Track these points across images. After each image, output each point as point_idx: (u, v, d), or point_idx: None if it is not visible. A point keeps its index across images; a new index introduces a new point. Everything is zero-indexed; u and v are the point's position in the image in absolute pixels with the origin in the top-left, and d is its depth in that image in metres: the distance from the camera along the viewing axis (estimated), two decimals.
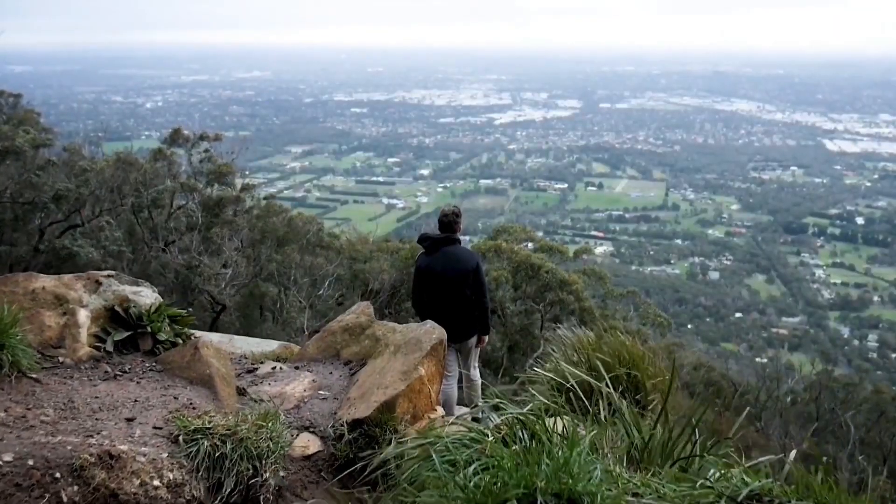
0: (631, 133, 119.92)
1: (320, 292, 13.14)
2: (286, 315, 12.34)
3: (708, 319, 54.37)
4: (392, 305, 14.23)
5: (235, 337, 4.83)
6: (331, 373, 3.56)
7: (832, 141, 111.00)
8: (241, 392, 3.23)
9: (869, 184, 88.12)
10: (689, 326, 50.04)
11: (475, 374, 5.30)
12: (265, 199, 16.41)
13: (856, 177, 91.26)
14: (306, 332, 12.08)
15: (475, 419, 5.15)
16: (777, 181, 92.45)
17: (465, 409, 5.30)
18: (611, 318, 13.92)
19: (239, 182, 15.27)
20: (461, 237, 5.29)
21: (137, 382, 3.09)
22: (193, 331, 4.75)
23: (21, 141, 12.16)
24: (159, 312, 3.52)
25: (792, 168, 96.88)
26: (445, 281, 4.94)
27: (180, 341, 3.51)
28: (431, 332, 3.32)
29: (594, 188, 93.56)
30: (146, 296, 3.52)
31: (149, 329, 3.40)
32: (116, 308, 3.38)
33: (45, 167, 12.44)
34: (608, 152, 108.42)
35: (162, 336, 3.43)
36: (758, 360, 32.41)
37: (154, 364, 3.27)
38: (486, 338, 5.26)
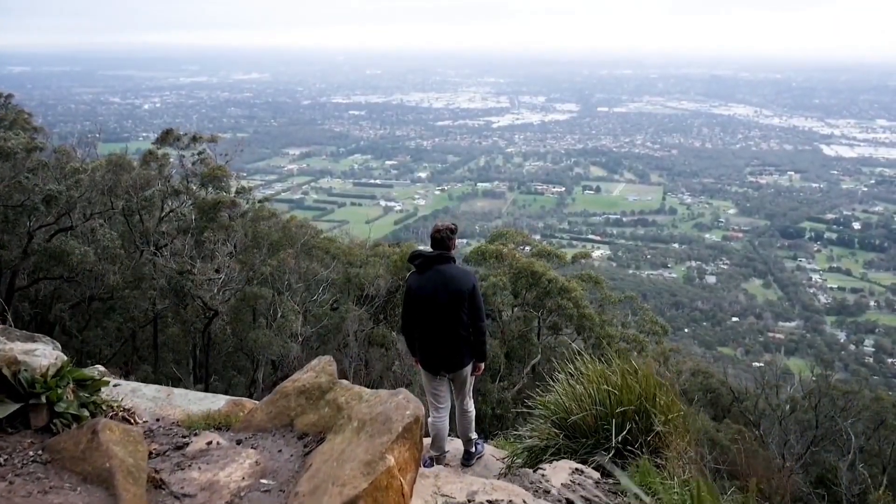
0: (628, 137, 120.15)
1: (315, 297, 13.00)
2: (280, 320, 12.17)
3: (705, 323, 54.28)
4: (387, 311, 14.10)
5: (175, 391, 4.00)
6: (280, 451, 2.83)
7: (829, 146, 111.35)
8: (159, 484, 2.55)
9: (865, 188, 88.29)
10: (686, 330, 49.96)
11: (469, 404, 4.84)
12: (261, 201, 16.26)
13: (852, 181, 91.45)
14: (300, 339, 11.93)
15: (467, 453, 4.86)
16: (774, 185, 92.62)
17: (457, 442, 5.01)
18: (608, 325, 13.81)
19: (234, 185, 15.04)
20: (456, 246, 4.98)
21: (10, 483, 2.27)
22: (125, 382, 3.95)
23: (14, 143, 12.00)
24: (60, 376, 2.76)
25: (789, 172, 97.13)
26: (438, 303, 4.47)
27: (86, 413, 2.75)
28: (404, 406, 2.66)
29: (591, 191, 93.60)
30: (43, 355, 2.80)
31: (44, 399, 2.66)
32: (3, 371, 2.66)
33: (37, 169, 12.27)
34: (606, 156, 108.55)
35: (61, 407, 2.69)
36: (755, 364, 32.35)
37: (41, 452, 2.50)
38: (483, 365, 4.76)
